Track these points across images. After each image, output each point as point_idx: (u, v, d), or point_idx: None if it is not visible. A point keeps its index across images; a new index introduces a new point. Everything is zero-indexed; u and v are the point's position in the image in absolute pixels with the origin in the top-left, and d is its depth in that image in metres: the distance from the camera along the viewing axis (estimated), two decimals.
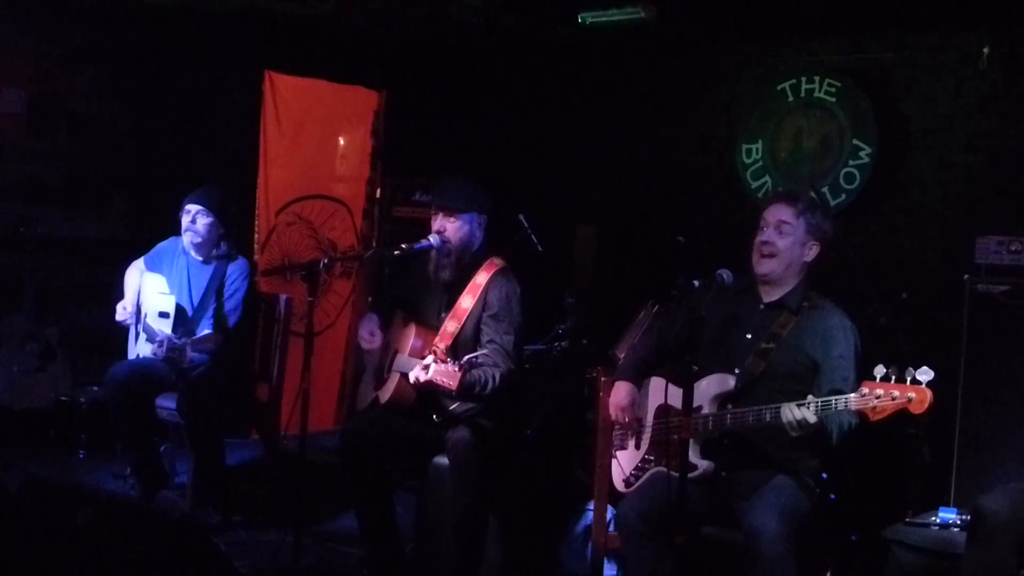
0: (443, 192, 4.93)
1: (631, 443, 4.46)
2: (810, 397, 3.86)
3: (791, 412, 3.84)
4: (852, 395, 3.76)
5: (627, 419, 4.40)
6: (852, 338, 4.16)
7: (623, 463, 4.46)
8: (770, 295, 4.29)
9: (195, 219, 5.68)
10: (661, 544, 4.03)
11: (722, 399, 4.16)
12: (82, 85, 7.22)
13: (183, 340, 5.43)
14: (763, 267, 4.26)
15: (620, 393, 4.43)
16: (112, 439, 6.38)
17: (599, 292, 6.28)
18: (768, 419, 3.92)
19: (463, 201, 4.86)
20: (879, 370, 3.72)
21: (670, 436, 4.18)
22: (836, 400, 3.80)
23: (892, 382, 3.69)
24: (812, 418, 3.81)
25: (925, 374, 3.65)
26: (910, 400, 3.65)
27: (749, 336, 4.25)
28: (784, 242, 4.21)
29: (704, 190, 6.96)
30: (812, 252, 4.27)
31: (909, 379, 3.67)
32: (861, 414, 3.77)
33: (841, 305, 4.30)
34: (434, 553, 4.81)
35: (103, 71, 7.27)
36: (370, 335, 4.94)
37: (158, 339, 5.44)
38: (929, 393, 3.64)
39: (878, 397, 3.69)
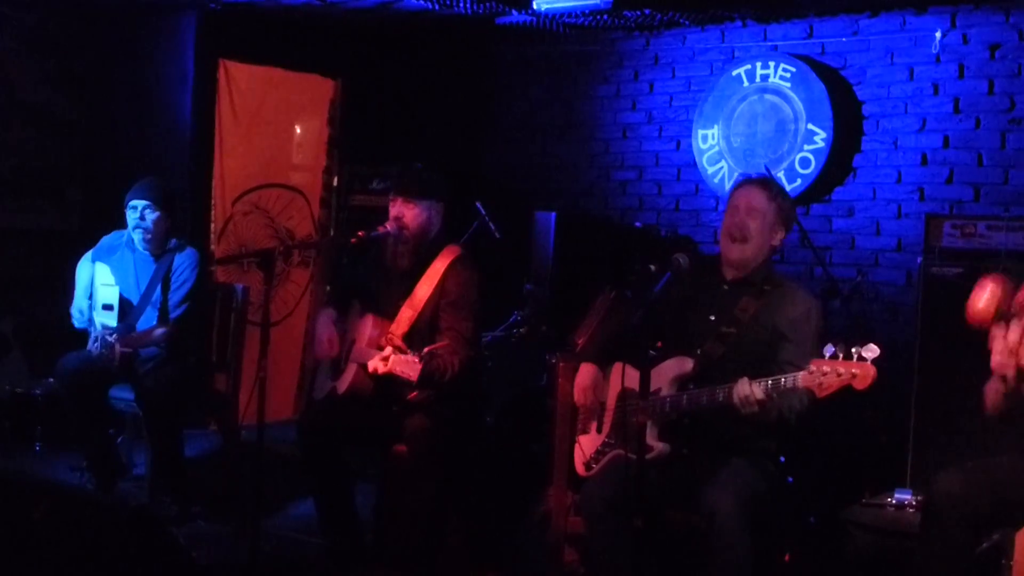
0: (401, 179, 4.91)
1: (593, 426, 4.47)
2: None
3: (742, 388, 3.86)
4: (800, 372, 3.78)
5: (588, 401, 4.41)
6: (815, 315, 4.20)
7: (584, 447, 4.46)
8: (734, 275, 4.29)
9: (143, 215, 5.54)
10: (624, 528, 4.04)
11: (681, 381, 4.16)
12: (33, 75, 7.12)
13: (113, 337, 5.35)
14: (734, 252, 4.24)
15: (583, 375, 4.44)
16: (68, 431, 6.32)
17: (557, 279, 6.27)
18: (721, 399, 3.94)
19: (421, 188, 4.84)
20: (828, 349, 3.75)
21: (629, 419, 4.20)
22: (785, 378, 3.82)
23: (840, 359, 3.72)
24: (760, 394, 3.84)
25: (870, 351, 3.67)
26: (854, 376, 3.67)
27: (712, 318, 4.25)
28: (755, 225, 4.20)
29: (661, 175, 6.98)
30: (778, 237, 4.29)
31: (855, 356, 3.70)
32: (809, 391, 3.80)
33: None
34: (394, 541, 4.80)
35: (55, 60, 7.18)
36: (329, 343, 4.90)
37: (93, 335, 5.38)
38: (872, 370, 3.66)
39: (824, 374, 3.71)
